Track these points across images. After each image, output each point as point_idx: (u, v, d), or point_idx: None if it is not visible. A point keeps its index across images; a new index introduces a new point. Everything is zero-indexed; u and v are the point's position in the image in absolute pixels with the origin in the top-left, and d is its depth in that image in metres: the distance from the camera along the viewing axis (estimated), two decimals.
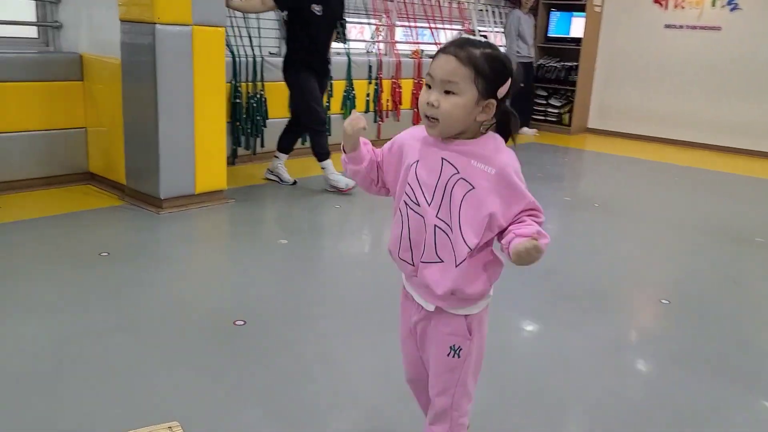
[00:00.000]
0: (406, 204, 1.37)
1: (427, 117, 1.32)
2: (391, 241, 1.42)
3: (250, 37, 5.11)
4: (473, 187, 1.30)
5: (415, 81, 6.61)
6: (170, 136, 3.75)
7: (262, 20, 5.27)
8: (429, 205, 1.33)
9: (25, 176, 4.06)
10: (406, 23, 6.74)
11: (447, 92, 1.29)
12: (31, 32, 4.36)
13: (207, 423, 1.86)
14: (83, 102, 4.24)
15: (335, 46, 5.73)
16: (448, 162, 1.32)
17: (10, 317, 2.44)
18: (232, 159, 5.11)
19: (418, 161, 1.36)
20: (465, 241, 1.31)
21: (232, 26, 5.02)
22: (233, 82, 4.96)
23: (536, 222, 1.31)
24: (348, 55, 5.85)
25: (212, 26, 3.81)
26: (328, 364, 2.23)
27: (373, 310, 2.69)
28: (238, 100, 5.00)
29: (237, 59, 4.96)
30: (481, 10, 7.69)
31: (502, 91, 1.32)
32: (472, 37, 1.35)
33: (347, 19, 5.12)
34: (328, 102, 5.55)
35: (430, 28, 6.97)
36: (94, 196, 4.09)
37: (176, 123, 3.76)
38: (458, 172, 1.31)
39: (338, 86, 5.81)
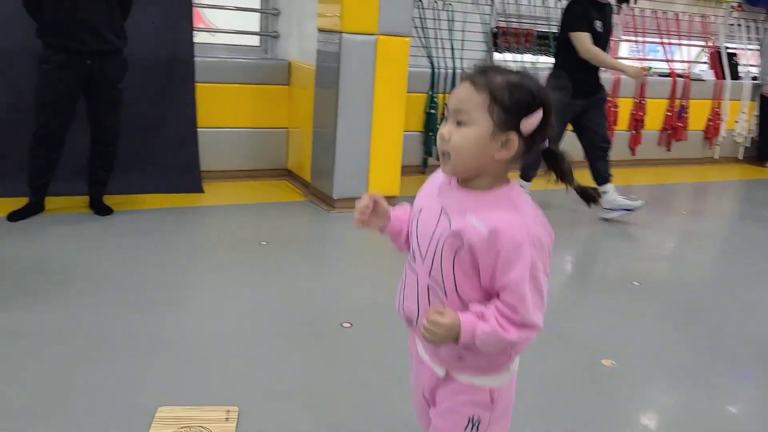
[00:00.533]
0: (408, 258, 1.24)
1: (442, 153, 1.17)
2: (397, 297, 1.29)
3: (452, 49, 5.14)
4: (462, 246, 1.11)
5: (636, 101, 6.07)
6: (347, 140, 3.94)
7: (467, 32, 5.27)
8: (423, 262, 1.17)
9: (232, 167, 4.57)
10: (633, 38, 6.23)
11: (459, 123, 1.12)
12: (255, 41, 4.89)
13: (268, 415, 1.91)
14: (288, 105, 4.65)
15: (544, 60, 5.54)
16: (445, 213, 1.15)
17: (151, 280, 2.77)
18: (423, 168, 5.19)
19: (422, 210, 1.22)
20: (466, 308, 1.13)
21: (436, 38, 5.12)
22: (430, 93, 5.04)
23: (501, 321, 1.09)
24: None
25: (397, 36, 3.92)
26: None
27: None
28: (432, 111, 5.06)
29: (436, 70, 5.03)
30: (732, 25, 6.80)
31: (528, 125, 1.10)
32: (503, 66, 1.17)
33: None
34: None
35: (662, 44, 6.34)
36: (284, 191, 4.45)
37: (354, 128, 3.94)
38: (450, 227, 1.13)
39: None
